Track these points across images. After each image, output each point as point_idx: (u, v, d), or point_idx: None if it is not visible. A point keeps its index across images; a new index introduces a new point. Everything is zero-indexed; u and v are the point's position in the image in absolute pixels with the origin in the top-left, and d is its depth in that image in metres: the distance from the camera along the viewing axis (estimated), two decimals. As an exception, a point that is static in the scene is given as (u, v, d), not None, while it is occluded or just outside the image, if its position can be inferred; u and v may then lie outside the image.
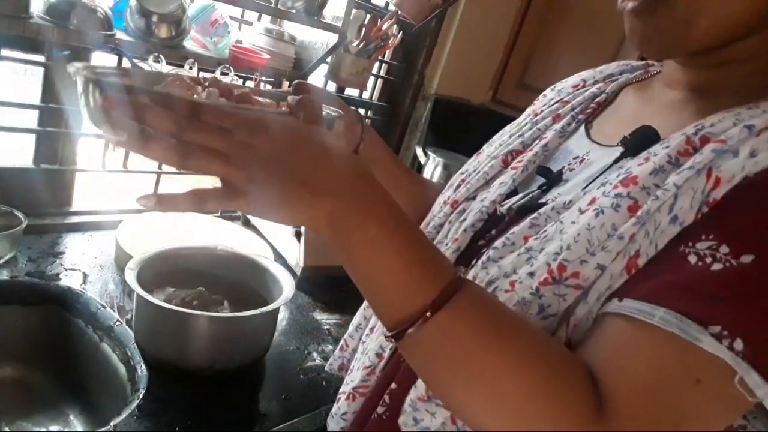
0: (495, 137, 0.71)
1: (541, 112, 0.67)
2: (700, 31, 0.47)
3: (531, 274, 0.47)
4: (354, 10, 1.35)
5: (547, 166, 0.59)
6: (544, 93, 0.75)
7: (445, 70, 1.83)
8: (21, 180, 1.17)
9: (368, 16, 1.54)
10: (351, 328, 0.73)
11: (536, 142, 0.63)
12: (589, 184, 0.52)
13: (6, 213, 1.07)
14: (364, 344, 0.68)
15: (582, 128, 0.62)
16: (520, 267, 0.49)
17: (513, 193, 0.60)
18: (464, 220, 0.61)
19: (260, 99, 0.59)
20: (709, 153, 0.43)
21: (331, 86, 1.68)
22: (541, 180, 0.58)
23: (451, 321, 0.41)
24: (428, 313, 0.40)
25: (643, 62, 0.69)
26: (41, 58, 1.09)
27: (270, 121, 0.41)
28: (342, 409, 0.65)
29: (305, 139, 0.42)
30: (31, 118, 1.16)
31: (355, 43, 1.50)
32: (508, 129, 0.70)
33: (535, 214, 0.52)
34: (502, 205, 0.58)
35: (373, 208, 0.42)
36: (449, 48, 1.80)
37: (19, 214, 1.07)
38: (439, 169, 1.70)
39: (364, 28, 1.51)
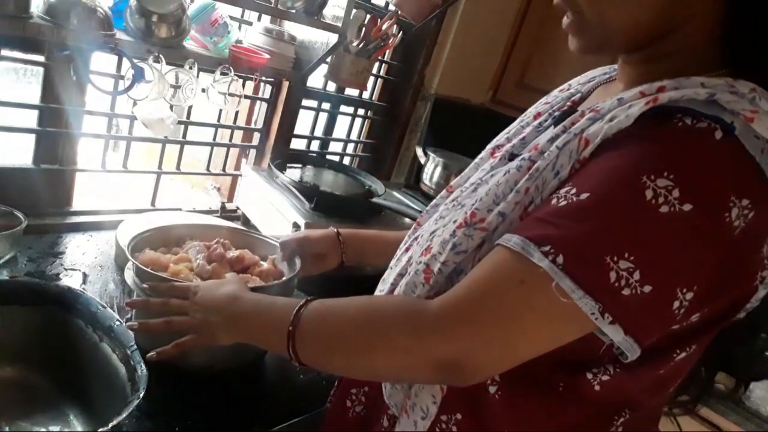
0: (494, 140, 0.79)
1: (528, 113, 0.76)
2: (615, 39, 0.58)
3: (454, 222, 0.61)
4: (354, 10, 1.35)
5: (512, 152, 0.68)
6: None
7: (445, 70, 1.83)
8: (21, 180, 1.17)
9: (368, 16, 1.54)
10: None
11: (517, 136, 0.72)
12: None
13: (6, 213, 1.07)
14: None
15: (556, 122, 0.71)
16: (454, 219, 0.62)
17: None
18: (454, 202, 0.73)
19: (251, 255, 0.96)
20: (584, 121, 0.54)
21: (331, 86, 1.68)
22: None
23: (300, 341, 0.63)
24: (290, 350, 0.63)
25: None
26: (41, 58, 1.09)
27: (192, 294, 0.77)
28: None
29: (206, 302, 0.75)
30: (31, 118, 1.16)
31: (355, 43, 1.50)
32: (504, 130, 0.78)
33: (478, 180, 0.65)
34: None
35: (240, 321, 0.72)
36: (449, 48, 1.80)
37: (19, 214, 1.07)
38: (439, 169, 1.70)
39: (364, 28, 1.51)
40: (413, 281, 0.62)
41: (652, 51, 0.58)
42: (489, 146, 0.77)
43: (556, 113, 0.71)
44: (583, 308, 0.47)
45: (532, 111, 0.75)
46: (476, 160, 0.76)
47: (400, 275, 0.69)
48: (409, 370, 0.56)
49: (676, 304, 0.48)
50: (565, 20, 0.61)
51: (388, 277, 0.73)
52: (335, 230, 0.98)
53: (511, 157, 0.67)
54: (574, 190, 0.50)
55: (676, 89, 0.51)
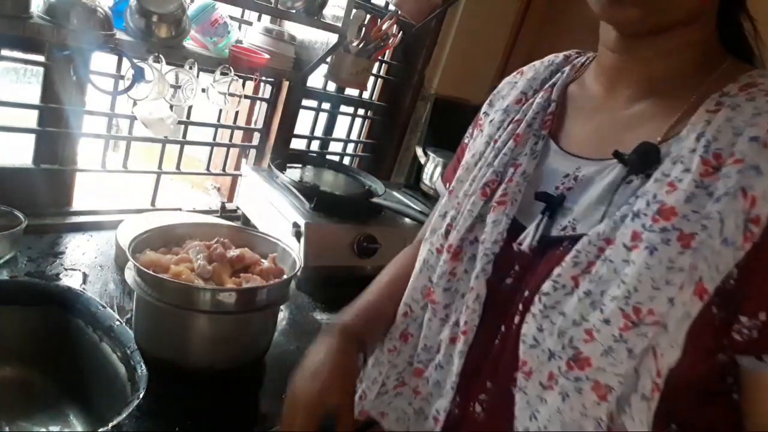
0: (461, 174, 0.69)
1: (499, 137, 0.67)
2: (677, 12, 0.52)
3: (606, 322, 0.49)
4: (354, 10, 1.35)
5: (545, 192, 0.59)
6: (484, 112, 0.75)
7: (445, 70, 1.83)
8: (21, 180, 1.17)
9: (368, 16, 1.54)
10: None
11: (511, 170, 0.63)
12: (608, 208, 0.53)
13: (6, 213, 1.07)
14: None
15: (552, 144, 0.63)
16: (587, 314, 0.50)
17: (515, 226, 0.60)
18: (473, 267, 0.61)
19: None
20: (735, 175, 0.47)
21: (331, 86, 1.68)
22: (539, 204, 0.59)
23: None
24: None
25: (563, 55, 0.71)
26: (41, 58, 1.09)
27: None
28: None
29: None
30: (31, 118, 1.16)
31: (355, 43, 1.50)
32: (471, 161, 0.69)
33: (574, 252, 0.52)
34: (519, 243, 0.58)
35: None
36: (449, 48, 1.80)
37: (19, 214, 1.07)
38: (438, 169, 1.70)
39: (364, 28, 1.51)
40: (580, 403, 0.50)
41: (666, 42, 0.55)
42: (469, 186, 0.66)
43: (542, 133, 0.64)
44: None
45: (504, 134, 0.66)
46: (465, 207, 0.64)
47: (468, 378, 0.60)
48: None
49: None
50: None
51: (445, 381, 0.62)
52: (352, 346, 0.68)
53: (540, 195, 0.59)
54: None
55: None
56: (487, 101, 0.76)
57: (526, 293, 0.56)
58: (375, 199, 1.40)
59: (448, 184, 0.74)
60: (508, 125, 0.67)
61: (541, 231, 0.57)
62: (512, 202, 0.60)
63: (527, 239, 0.58)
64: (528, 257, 0.58)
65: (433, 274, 0.65)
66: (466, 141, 0.79)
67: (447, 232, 0.65)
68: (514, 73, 0.75)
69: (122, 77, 1.17)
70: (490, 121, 0.71)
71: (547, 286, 0.53)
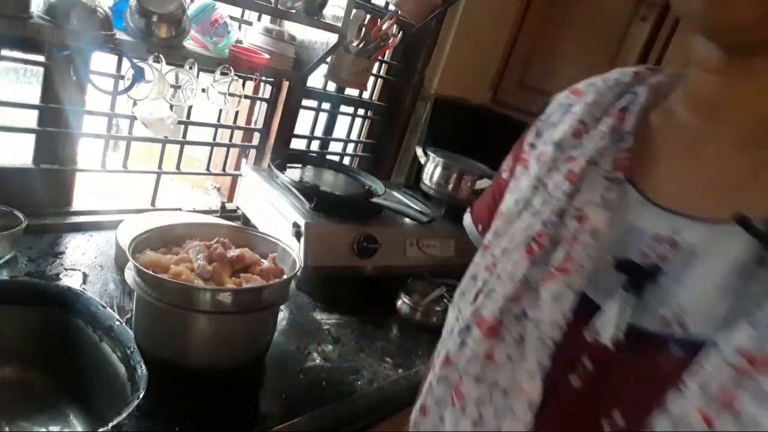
0: (499, 225, 0.53)
1: (550, 179, 0.51)
2: None
3: None
4: (354, 10, 1.35)
5: (630, 260, 0.43)
6: (530, 143, 0.57)
7: (445, 70, 1.83)
8: (21, 180, 1.17)
9: (368, 16, 1.54)
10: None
11: (573, 223, 0.46)
12: (738, 303, 0.38)
13: (6, 213, 1.07)
14: None
15: (632, 191, 0.46)
16: None
17: (585, 303, 0.44)
18: (523, 354, 0.45)
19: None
20: None
21: (331, 86, 1.68)
22: (617, 275, 0.43)
23: None
24: None
25: (632, 72, 0.55)
26: (41, 58, 1.09)
27: None
28: None
29: None
30: (31, 118, 1.16)
31: (355, 43, 1.50)
32: (514, 210, 0.52)
33: (700, 373, 0.36)
34: (595, 332, 0.43)
35: None
36: (449, 48, 1.80)
37: (19, 214, 1.07)
38: (438, 169, 1.70)
39: (364, 28, 1.51)
40: None
41: None
42: (510, 242, 0.50)
43: (617, 176, 0.47)
44: None
45: (557, 177, 0.50)
46: (504, 266, 0.48)
47: None
48: None
49: None
50: None
51: None
52: None
53: (623, 265, 0.43)
54: None
55: None
56: (533, 129, 0.58)
57: (617, 416, 0.40)
58: (375, 199, 1.40)
59: (480, 226, 0.62)
60: (563, 164, 0.51)
61: (628, 317, 0.42)
62: (578, 269, 0.44)
63: (608, 327, 0.42)
64: (608, 353, 0.42)
65: (460, 357, 0.48)
66: (503, 176, 0.62)
67: (476, 298, 0.49)
68: (567, 91, 0.58)
69: (122, 77, 1.17)
70: (538, 156, 0.54)
71: (662, 423, 0.37)
